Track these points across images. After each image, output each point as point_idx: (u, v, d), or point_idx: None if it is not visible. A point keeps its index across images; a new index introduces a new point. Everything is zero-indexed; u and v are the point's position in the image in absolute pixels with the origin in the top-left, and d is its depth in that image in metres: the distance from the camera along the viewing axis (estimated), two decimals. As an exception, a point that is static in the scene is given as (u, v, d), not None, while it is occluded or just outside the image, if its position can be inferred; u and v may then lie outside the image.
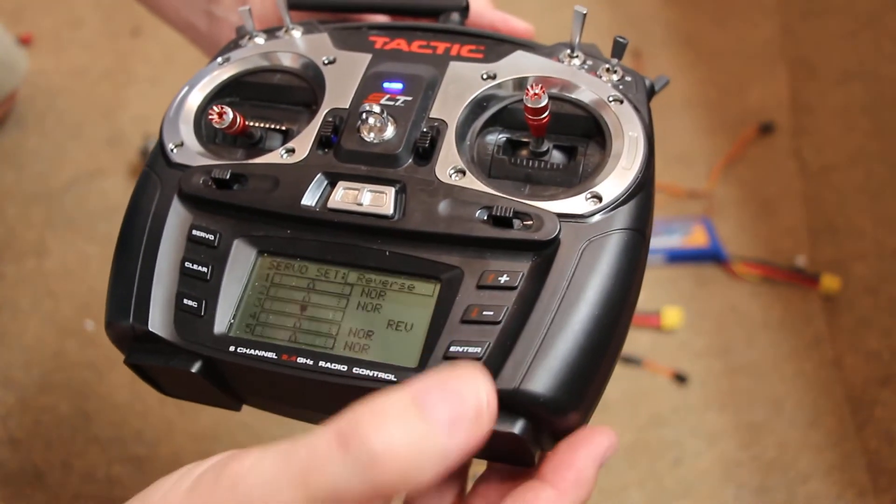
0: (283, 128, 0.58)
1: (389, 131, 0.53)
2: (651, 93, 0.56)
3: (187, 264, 0.52)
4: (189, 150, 0.56)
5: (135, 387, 1.29)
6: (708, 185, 1.42)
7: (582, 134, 0.54)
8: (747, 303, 1.30)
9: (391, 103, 0.54)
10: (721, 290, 1.31)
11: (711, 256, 1.32)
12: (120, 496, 1.20)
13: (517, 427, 0.45)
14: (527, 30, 0.66)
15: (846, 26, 1.59)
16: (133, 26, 1.70)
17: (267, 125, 0.58)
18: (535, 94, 0.49)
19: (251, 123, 0.57)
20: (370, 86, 0.56)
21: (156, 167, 0.56)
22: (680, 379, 1.21)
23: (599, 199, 0.49)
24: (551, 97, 0.52)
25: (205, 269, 0.52)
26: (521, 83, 0.56)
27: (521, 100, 0.53)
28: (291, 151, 0.54)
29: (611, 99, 0.54)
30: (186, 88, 0.60)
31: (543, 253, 0.48)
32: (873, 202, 1.38)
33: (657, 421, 1.19)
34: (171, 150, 0.56)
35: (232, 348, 0.50)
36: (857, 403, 1.19)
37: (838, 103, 1.50)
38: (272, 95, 0.60)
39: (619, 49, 0.54)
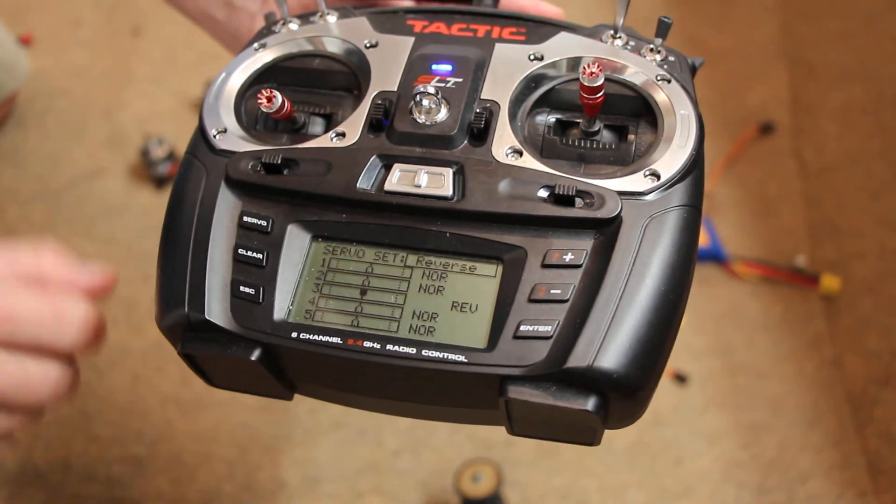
0: (327, 112, 0.58)
1: (443, 113, 0.53)
2: (693, 72, 0.57)
3: (241, 251, 0.51)
4: (232, 136, 0.55)
5: (135, 387, 1.29)
6: (708, 185, 1.41)
7: (631, 114, 0.55)
8: (747, 303, 1.30)
9: (442, 85, 0.54)
10: (721, 290, 1.31)
11: (711, 256, 1.32)
12: (120, 496, 1.21)
13: (590, 404, 0.45)
14: (557, 13, 0.66)
15: (846, 26, 1.59)
16: (133, 26, 1.69)
17: (311, 110, 0.58)
18: (593, 72, 0.49)
19: (297, 110, 0.57)
20: (418, 68, 0.56)
21: (198, 154, 0.55)
22: (680, 379, 1.21)
23: (658, 176, 0.49)
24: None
25: (260, 256, 0.51)
26: (570, 64, 0.56)
27: (570, 80, 0.55)
28: (342, 135, 0.54)
29: (659, 78, 0.54)
30: (224, 74, 0.59)
31: (606, 231, 0.48)
32: (873, 202, 1.38)
33: (657, 421, 1.19)
34: (214, 137, 0.55)
35: (294, 334, 0.49)
36: (857, 403, 1.19)
37: (838, 103, 1.50)
38: (312, 80, 0.59)
39: (663, 29, 0.55)
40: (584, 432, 0.49)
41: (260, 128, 0.58)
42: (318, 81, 0.59)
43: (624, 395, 0.46)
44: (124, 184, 1.50)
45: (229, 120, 0.56)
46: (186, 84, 1.60)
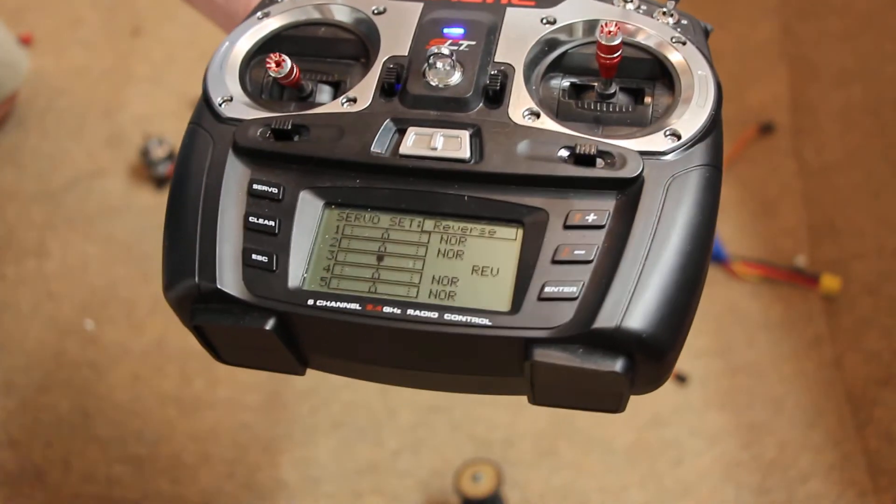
0: (335, 80, 0.56)
1: (457, 76, 0.52)
2: (706, 36, 0.56)
3: (252, 219, 0.50)
4: (238, 104, 0.54)
5: (135, 386, 1.29)
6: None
7: (646, 77, 0.54)
8: (747, 303, 1.30)
9: (455, 48, 0.53)
10: (721, 290, 1.31)
11: (712, 256, 1.32)
12: (120, 496, 1.21)
13: (618, 365, 0.44)
14: None
15: (846, 26, 1.59)
16: (133, 26, 1.70)
17: (319, 78, 0.56)
18: (611, 31, 0.48)
19: (304, 78, 0.55)
20: (429, 32, 0.55)
21: (204, 123, 0.54)
22: (680, 379, 1.21)
23: (678, 136, 0.49)
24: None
25: (272, 223, 0.50)
26: (583, 27, 0.55)
27: (583, 44, 0.54)
28: (353, 101, 0.52)
29: (674, 40, 0.53)
30: (227, 44, 0.58)
31: (628, 191, 0.47)
32: (873, 202, 1.38)
33: (657, 421, 1.19)
34: (220, 105, 0.54)
35: (310, 301, 0.48)
36: (857, 403, 1.19)
37: (838, 103, 1.50)
38: (319, 49, 0.58)
39: None
40: (609, 398, 0.48)
41: (266, 96, 0.56)
42: (325, 50, 0.58)
43: (652, 356, 0.45)
44: (124, 184, 1.50)
45: (234, 88, 0.55)
46: (186, 84, 1.60)
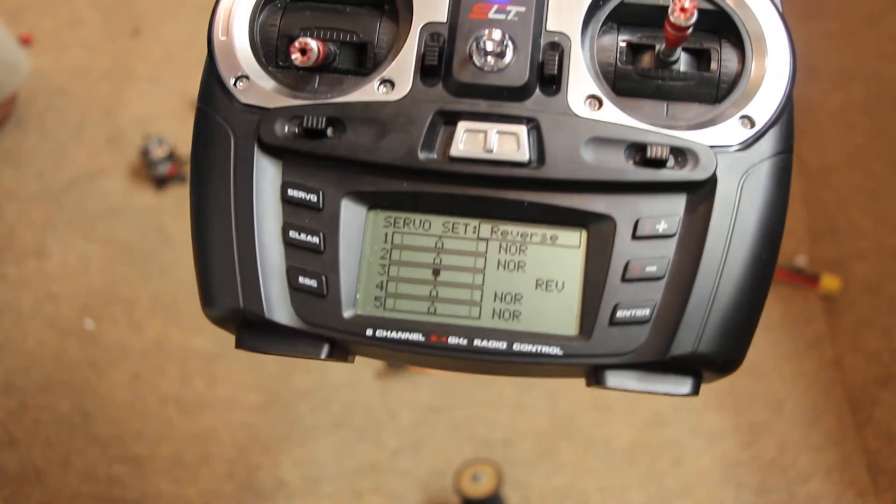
0: (360, 40, 0.49)
1: (508, 56, 0.45)
2: None
3: (293, 233, 0.46)
4: (256, 84, 0.47)
5: (135, 386, 1.29)
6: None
7: (711, 29, 0.47)
8: (747, 303, 1.30)
9: (501, 16, 0.46)
10: (721, 290, 1.31)
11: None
12: (120, 496, 1.20)
13: (688, 387, 0.43)
14: None
15: (846, 26, 1.59)
16: (133, 26, 1.69)
17: (340, 38, 0.49)
18: (685, 8, 0.42)
19: (327, 45, 0.48)
20: None
21: (218, 108, 0.47)
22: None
23: (752, 122, 0.44)
24: None
25: (315, 239, 0.46)
26: None
27: None
28: (390, 84, 0.46)
29: None
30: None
31: (699, 192, 0.44)
32: (873, 202, 1.38)
33: (657, 421, 1.19)
34: (234, 85, 0.48)
35: (369, 332, 0.44)
36: (857, 403, 1.19)
37: (838, 103, 1.50)
38: None
39: None
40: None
41: (283, 62, 0.49)
42: None
43: (722, 372, 0.44)
44: (124, 184, 1.50)
45: (247, 60, 0.48)
46: (186, 84, 1.60)
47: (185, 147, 1.49)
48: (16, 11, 1.71)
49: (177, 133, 1.52)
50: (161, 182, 1.48)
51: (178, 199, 1.48)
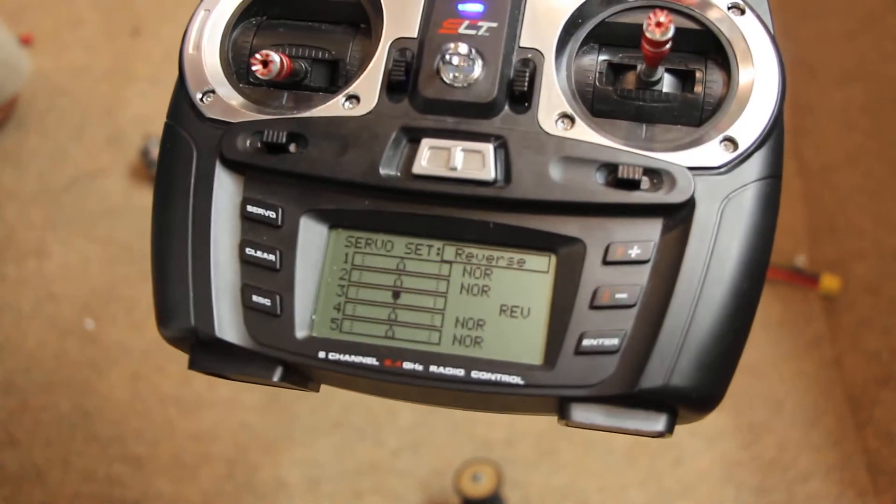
0: (332, 57, 0.48)
1: (477, 70, 0.44)
2: None
3: (249, 250, 0.44)
4: (223, 100, 0.46)
5: (135, 386, 1.29)
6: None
7: (696, 51, 0.45)
8: (747, 303, 1.30)
9: (472, 32, 0.44)
10: (721, 290, 1.31)
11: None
12: (120, 495, 1.21)
13: (661, 425, 0.41)
14: None
15: (846, 26, 1.59)
16: (133, 26, 1.69)
17: (311, 55, 0.48)
18: (661, 23, 0.40)
19: (296, 62, 0.48)
20: (443, 9, 0.45)
21: (184, 123, 0.46)
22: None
23: (735, 144, 0.42)
24: (657, 7, 0.43)
25: (272, 257, 0.44)
26: None
27: (621, 11, 0.46)
28: (355, 99, 0.45)
29: (729, 7, 0.45)
30: (203, 13, 0.49)
31: (676, 216, 0.41)
32: (873, 202, 1.38)
33: (657, 421, 1.19)
34: (201, 100, 0.47)
35: (322, 354, 0.43)
36: (857, 403, 1.19)
37: (838, 103, 1.50)
38: (310, 12, 0.49)
39: None
40: (646, 435, 0.44)
41: (254, 80, 0.48)
42: (317, 14, 0.49)
43: (698, 409, 0.41)
44: (124, 184, 1.50)
45: (215, 75, 0.47)
46: (186, 84, 1.60)
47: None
48: (16, 11, 1.71)
49: (177, 133, 1.52)
50: (161, 182, 1.48)
51: (179, 199, 1.48)
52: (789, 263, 1.31)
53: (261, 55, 0.45)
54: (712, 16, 0.45)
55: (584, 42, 0.46)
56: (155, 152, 1.47)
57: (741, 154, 0.42)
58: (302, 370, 0.44)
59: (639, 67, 0.45)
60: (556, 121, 0.43)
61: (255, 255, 0.44)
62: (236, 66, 0.49)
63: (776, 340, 1.26)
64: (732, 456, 1.16)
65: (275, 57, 0.45)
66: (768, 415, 1.20)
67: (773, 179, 0.43)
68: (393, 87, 0.45)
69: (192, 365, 0.45)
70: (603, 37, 0.46)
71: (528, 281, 0.43)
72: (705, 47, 0.45)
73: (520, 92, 0.44)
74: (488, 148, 0.43)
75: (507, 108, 0.44)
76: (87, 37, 1.69)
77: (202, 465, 1.22)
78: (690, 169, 0.41)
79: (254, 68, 0.45)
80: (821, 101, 1.51)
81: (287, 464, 1.21)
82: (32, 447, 1.24)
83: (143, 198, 1.49)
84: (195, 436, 1.24)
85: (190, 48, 0.48)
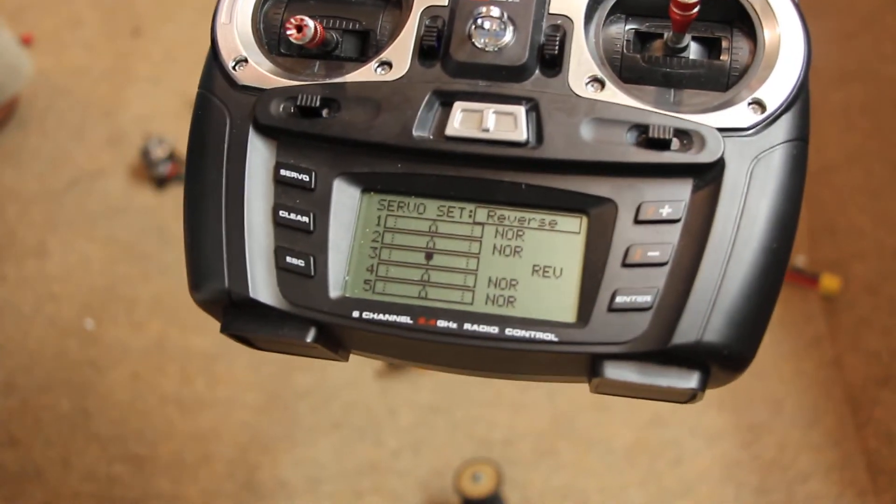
0: (363, 28, 0.48)
1: (508, 36, 0.44)
2: None
3: (282, 213, 0.45)
4: (255, 66, 0.47)
5: (135, 385, 1.29)
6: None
7: (720, 19, 0.46)
8: (747, 303, 1.30)
9: None
10: (721, 290, 1.31)
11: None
12: (120, 495, 1.21)
13: (694, 381, 0.41)
14: None
15: (846, 26, 1.59)
16: (133, 26, 1.70)
17: (342, 26, 0.48)
18: None
19: (328, 32, 0.48)
20: None
21: (216, 90, 0.47)
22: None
23: (763, 106, 0.43)
24: None
25: (305, 219, 0.44)
26: None
27: None
28: (388, 65, 0.46)
29: None
30: None
31: (706, 176, 0.42)
32: (873, 202, 1.38)
33: (657, 421, 1.19)
34: (233, 68, 0.47)
35: (355, 313, 0.43)
36: (856, 403, 1.19)
37: (838, 103, 1.50)
38: None
39: None
40: (678, 396, 0.44)
41: (285, 50, 0.49)
42: None
43: (731, 368, 0.42)
44: (124, 184, 1.50)
45: (248, 44, 0.48)
46: (186, 84, 1.60)
47: (185, 147, 1.49)
48: (16, 11, 1.71)
49: (177, 133, 1.52)
50: (161, 182, 1.48)
51: (179, 199, 1.48)
52: (789, 263, 1.31)
53: (295, 20, 0.45)
54: None
55: (612, 11, 0.47)
56: (155, 152, 1.47)
57: (769, 116, 0.42)
58: (335, 332, 0.45)
59: (665, 35, 0.46)
60: (587, 84, 0.44)
61: (288, 217, 0.45)
62: (267, 38, 0.49)
63: (776, 340, 1.26)
64: (732, 456, 1.16)
65: (309, 22, 0.45)
66: (768, 415, 1.20)
67: (800, 142, 0.43)
68: (425, 52, 0.45)
69: (225, 328, 0.45)
70: (630, 6, 0.47)
71: (559, 242, 0.43)
72: (730, 16, 0.46)
73: (550, 56, 0.44)
74: (520, 110, 0.43)
75: (537, 71, 0.45)
76: (87, 37, 1.69)
77: (202, 465, 1.22)
78: (720, 130, 0.42)
79: (288, 33, 0.46)
80: (821, 101, 1.51)
81: (287, 464, 1.21)
82: (32, 447, 1.24)
83: (144, 198, 1.49)
84: (195, 435, 1.25)
85: (222, 18, 0.49)
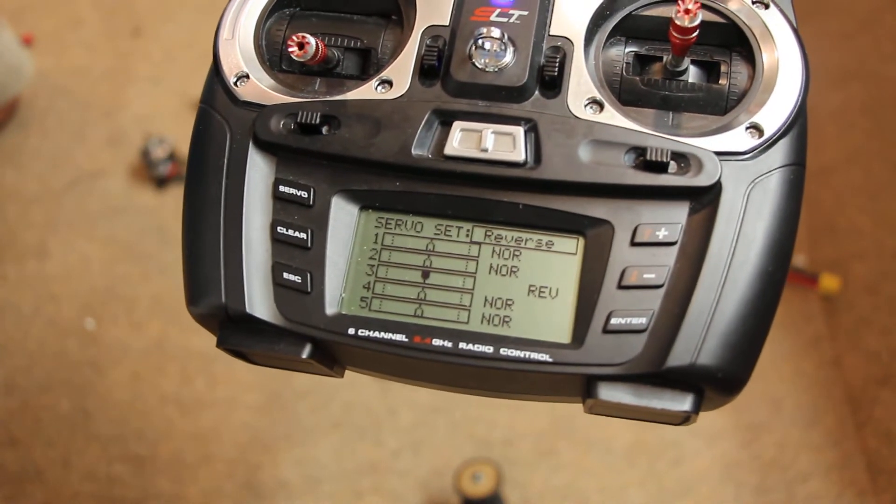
0: (364, 46, 0.49)
1: (508, 57, 0.45)
2: None
3: (280, 229, 0.45)
4: (256, 82, 0.48)
5: (135, 385, 1.29)
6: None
7: (721, 44, 0.47)
8: (747, 303, 1.30)
9: (504, 20, 0.46)
10: (721, 290, 1.31)
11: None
12: (120, 495, 1.21)
13: (687, 404, 0.41)
14: None
15: (846, 26, 1.59)
16: (133, 26, 1.70)
17: (344, 44, 0.49)
18: (689, 10, 0.41)
19: (329, 49, 0.49)
20: None
21: (217, 105, 0.48)
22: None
23: (760, 131, 0.43)
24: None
25: (303, 235, 0.45)
26: None
27: (648, 5, 0.48)
28: (388, 84, 0.46)
29: (754, 2, 0.46)
30: (239, 1, 0.50)
31: (703, 199, 0.42)
32: (873, 202, 1.38)
33: (657, 421, 1.20)
34: (234, 84, 0.48)
35: (351, 331, 0.43)
36: (856, 403, 1.19)
37: (838, 103, 1.50)
38: (342, 3, 0.51)
39: None
40: (672, 419, 0.44)
41: (287, 67, 0.50)
42: (349, 4, 0.51)
43: (725, 391, 0.42)
44: (125, 184, 1.50)
45: (250, 60, 0.49)
46: (186, 84, 1.60)
47: (185, 147, 1.49)
48: (16, 11, 1.71)
49: (177, 133, 1.52)
50: (161, 182, 1.48)
51: (179, 199, 1.48)
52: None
53: (297, 37, 0.46)
54: (737, 9, 0.46)
55: (612, 34, 0.48)
56: (155, 152, 1.47)
57: (766, 140, 0.43)
58: (330, 348, 0.45)
59: (665, 58, 0.46)
60: (586, 106, 0.45)
61: (286, 233, 0.45)
62: (269, 54, 0.50)
63: (776, 340, 1.26)
64: (732, 456, 1.16)
65: (311, 39, 0.46)
66: (768, 414, 1.20)
67: (797, 167, 0.43)
68: (425, 71, 0.46)
69: (221, 343, 0.46)
70: (630, 29, 0.48)
71: (556, 262, 0.44)
72: (730, 40, 0.47)
73: (550, 77, 0.45)
74: (519, 130, 0.44)
75: (537, 92, 0.45)
76: (87, 37, 1.70)
77: (202, 465, 1.22)
78: (717, 154, 0.43)
79: (290, 50, 0.46)
80: (821, 101, 1.51)
81: (287, 464, 1.21)
82: (32, 447, 1.24)
83: (144, 198, 1.49)
84: (195, 435, 1.25)
85: (225, 33, 0.50)
